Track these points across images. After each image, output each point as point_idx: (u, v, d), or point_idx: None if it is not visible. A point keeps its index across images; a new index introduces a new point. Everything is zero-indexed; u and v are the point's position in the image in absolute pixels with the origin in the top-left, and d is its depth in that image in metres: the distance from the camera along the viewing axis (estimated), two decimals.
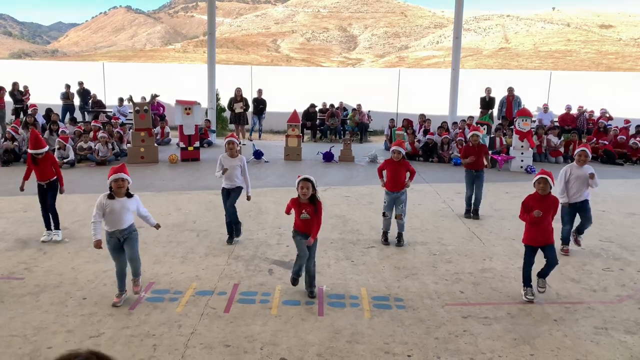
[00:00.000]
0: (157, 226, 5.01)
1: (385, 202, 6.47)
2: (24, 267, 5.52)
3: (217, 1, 18.59)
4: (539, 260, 4.98)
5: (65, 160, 11.04)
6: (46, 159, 6.44)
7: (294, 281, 4.97)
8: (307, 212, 4.72)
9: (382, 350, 3.97)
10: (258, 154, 12.41)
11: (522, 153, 11.99)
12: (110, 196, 4.57)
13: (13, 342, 4.00)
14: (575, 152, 6.38)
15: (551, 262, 4.91)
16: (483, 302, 4.87)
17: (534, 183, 4.95)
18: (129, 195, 4.67)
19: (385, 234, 6.53)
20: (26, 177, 6.57)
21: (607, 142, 13.67)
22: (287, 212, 4.98)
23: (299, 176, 4.82)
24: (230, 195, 6.33)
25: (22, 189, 6.60)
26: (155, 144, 12.32)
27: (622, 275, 5.61)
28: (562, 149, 13.43)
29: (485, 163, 7.77)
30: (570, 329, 4.38)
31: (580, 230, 6.42)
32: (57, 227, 6.54)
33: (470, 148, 7.75)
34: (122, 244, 4.65)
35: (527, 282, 4.97)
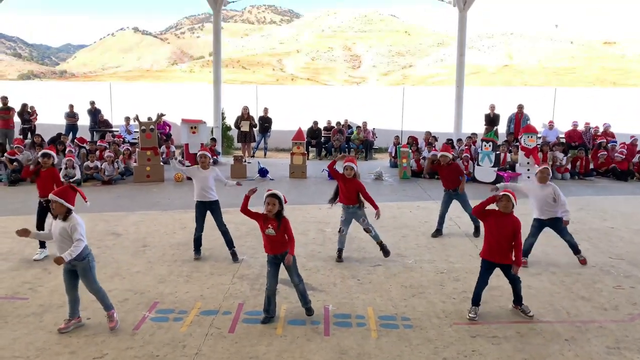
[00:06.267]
0: (57, 260, 4.17)
1: (342, 217, 6.43)
2: (28, 287, 5.50)
3: (223, 22, 18.83)
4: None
5: (72, 180, 11.07)
6: (48, 173, 6.35)
7: (266, 320, 4.71)
8: (272, 227, 4.61)
9: None
10: (263, 172, 12.42)
11: (527, 170, 11.93)
12: (55, 216, 4.40)
13: None
14: (537, 170, 6.29)
15: (514, 280, 4.83)
16: (492, 321, 4.79)
17: (497, 201, 4.78)
18: (66, 219, 4.33)
19: (340, 251, 6.45)
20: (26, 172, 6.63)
21: (623, 157, 13.50)
22: (246, 213, 4.74)
23: (267, 190, 4.72)
24: (212, 212, 6.40)
25: (29, 172, 6.59)
26: (161, 163, 12.37)
27: (633, 293, 5.51)
28: (569, 166, 13.36)
29: (460, 186, 7.52)
30: (581, 348, 4.28)
31: (574, 249, 6.35)
32: (42, 246, 6.47)
33: (440, 167, 7.61)
34: (75, 270, 4.42)
35: (475, 301, 4.86)
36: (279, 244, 4.66)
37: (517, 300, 4.93)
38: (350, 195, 6.31)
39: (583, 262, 6.30)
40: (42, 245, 6.48)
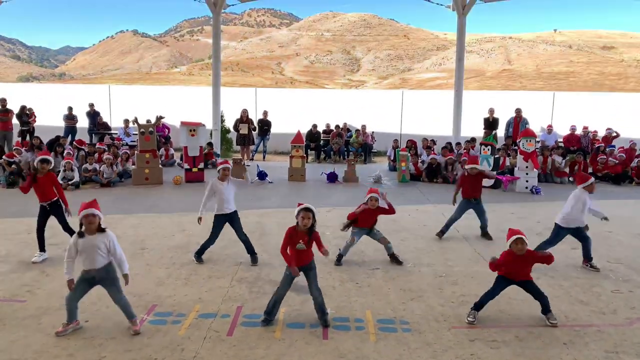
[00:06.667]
0: (126, 278, 4.52)
1: (354, 231, 6.50)
2: (26, 290, 5.48)
3: (223, 25, 18.86)
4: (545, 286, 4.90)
5: (70, 182, 11.07)
6: (47, 178, 6.37)
7: (265, 322, 4.69)
8: (303, 242, 4.58)
9: None
10: (262, 175, 12.42)
11: (526, 174, 11.95)
12: (81, 234, 4.41)
13: None
14: (590, 181, 6.46)
15: (537, 293, 4.85)
16: (490, 325, 4.79)
17: (510, 244, 4.75)
18: (101, 231, 4.45)
19: (340, 256, 6.48)
20: (25, 188, 6.39)
21: (617, 162, 13.57)
22: (284, 249, 4.64)
23: (299, 204, 4.69)
24: (232, 223, 6.37)
25: (27, 186, 6.37)
26: (160, 165, 12.37)
27: (631, 297, 5.52)
28: (567, 170, 13.39)
29: (489, 176, 7.85)
30: (580, 352, 4.29)
31: (588, 256, 6.39)
32: (42, 249, 6.45)
33: (467, 177, 7.65)
34: (96, 282, 4.47)
35: (478, 306, 4.89)
36: (306, 256, 4.66)
37: (544, 310, 4.88)
38: (369, 221, 6.44)
39: (595, 268, 6.36)
40: (42, 248, 6.46)
